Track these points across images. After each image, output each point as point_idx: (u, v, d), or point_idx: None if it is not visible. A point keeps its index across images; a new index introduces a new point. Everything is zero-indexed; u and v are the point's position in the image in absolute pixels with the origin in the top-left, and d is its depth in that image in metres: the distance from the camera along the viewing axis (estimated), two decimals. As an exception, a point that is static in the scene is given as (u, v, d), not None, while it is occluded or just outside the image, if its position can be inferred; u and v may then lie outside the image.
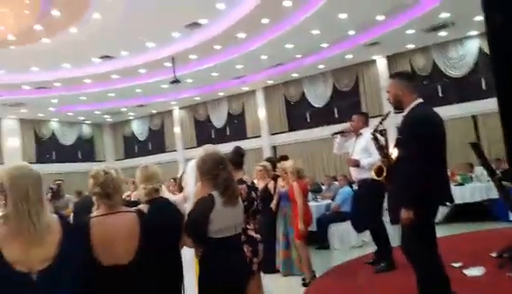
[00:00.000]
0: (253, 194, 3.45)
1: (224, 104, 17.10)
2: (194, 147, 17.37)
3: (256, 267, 3.32)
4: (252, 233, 3.33)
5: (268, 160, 6.74)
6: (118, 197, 2.30)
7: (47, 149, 18.03)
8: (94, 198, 2.33)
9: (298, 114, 15.93)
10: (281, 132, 16.06)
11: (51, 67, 12.15)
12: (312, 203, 7.18)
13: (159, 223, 2.46)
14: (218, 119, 17.28)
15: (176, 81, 12.36)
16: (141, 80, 13.65)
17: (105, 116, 18.63)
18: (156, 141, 19.21)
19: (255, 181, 5.06)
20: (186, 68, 12.72)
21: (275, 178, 5.91)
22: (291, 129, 15.92)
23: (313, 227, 6.48)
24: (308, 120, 15.65)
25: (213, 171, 2.65)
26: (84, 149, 19.44)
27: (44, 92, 13.83)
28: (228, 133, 17.28)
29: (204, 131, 17.81)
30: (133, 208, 2.44)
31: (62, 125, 18.45)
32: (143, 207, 2.61)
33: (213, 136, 17.42)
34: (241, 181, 3.33)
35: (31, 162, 14.71)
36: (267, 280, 4.52)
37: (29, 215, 1.83)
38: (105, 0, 8.58)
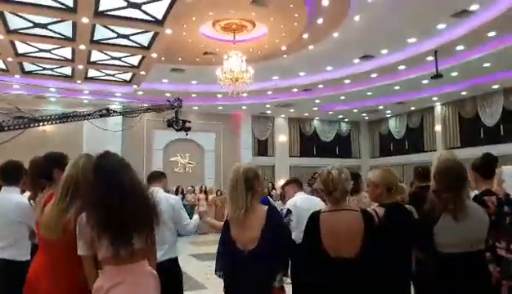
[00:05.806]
0: (506, 209, 3.00)
1: (499, 98, 14.62)
2: (457, 147, 15.76)
3: (506, 291, 2.92)
4: (502, 252, 2.94)
5: None
6: (338, 194, 2.41)
7: (309, 144, 19.86)
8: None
9: None
10: None
11: (316, 70, 13.21)
12: None
13: (390, 226, 2.56)
14: (490, 116, 14.91)
15: (438, 75, 11.66)
16: (400, 77, 13.27)
17: (363, 114, 19.02)
18: (413, 140, 18.27)
19: None
20: (451, 60, 11.67)
21: None
22: None
23: None
24: None
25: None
26: (341, 146, 20.46)
27: (309, 94, 15.27)
28: (502, 133, 14.74)
29: (470, 130, 15.85)
30: (360, 208, 2.57)
31: (323, 123, 19.95)
32: (379, 210, 2.67)
33: (481, 136, 15.38)
34: (490, 192, 3.02)
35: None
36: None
37: (236, 203, 2.36)
38: (364, 1, 8.56)
